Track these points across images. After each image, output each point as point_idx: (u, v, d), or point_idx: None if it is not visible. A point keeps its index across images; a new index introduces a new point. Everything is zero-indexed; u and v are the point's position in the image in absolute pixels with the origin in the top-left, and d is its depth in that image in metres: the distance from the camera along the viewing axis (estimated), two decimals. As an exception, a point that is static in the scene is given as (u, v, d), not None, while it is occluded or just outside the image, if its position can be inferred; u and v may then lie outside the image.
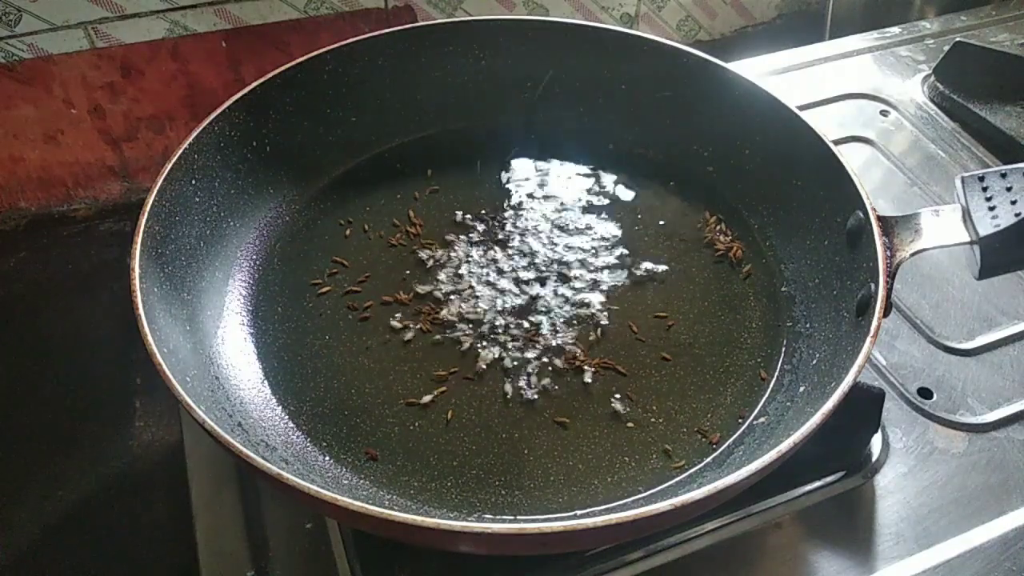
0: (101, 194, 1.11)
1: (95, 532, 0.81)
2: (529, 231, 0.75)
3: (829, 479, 0.63)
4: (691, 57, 0.76)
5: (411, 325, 0.68)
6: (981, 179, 0.58)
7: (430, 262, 0.72)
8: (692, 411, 0.63)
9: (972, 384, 0.69)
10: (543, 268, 0.72)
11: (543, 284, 0.71)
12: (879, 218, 0.59)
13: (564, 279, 0.71)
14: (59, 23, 0.97)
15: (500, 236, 0.74)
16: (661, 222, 0.76)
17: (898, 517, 0.61)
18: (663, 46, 0.77)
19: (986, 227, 0.55)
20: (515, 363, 0.65)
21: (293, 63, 0.73)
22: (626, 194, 0.78)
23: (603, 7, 1.23)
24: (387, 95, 0.80)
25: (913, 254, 0.57)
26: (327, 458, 0.60)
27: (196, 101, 1.08)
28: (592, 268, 0.72)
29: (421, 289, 0.70)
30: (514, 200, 0.78)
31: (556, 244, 0.74)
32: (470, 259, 0.72)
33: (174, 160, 0.64)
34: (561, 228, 0.75)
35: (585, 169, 0.81)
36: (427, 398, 0.63)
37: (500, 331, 0.67)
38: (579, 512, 0.57)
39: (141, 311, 0.54)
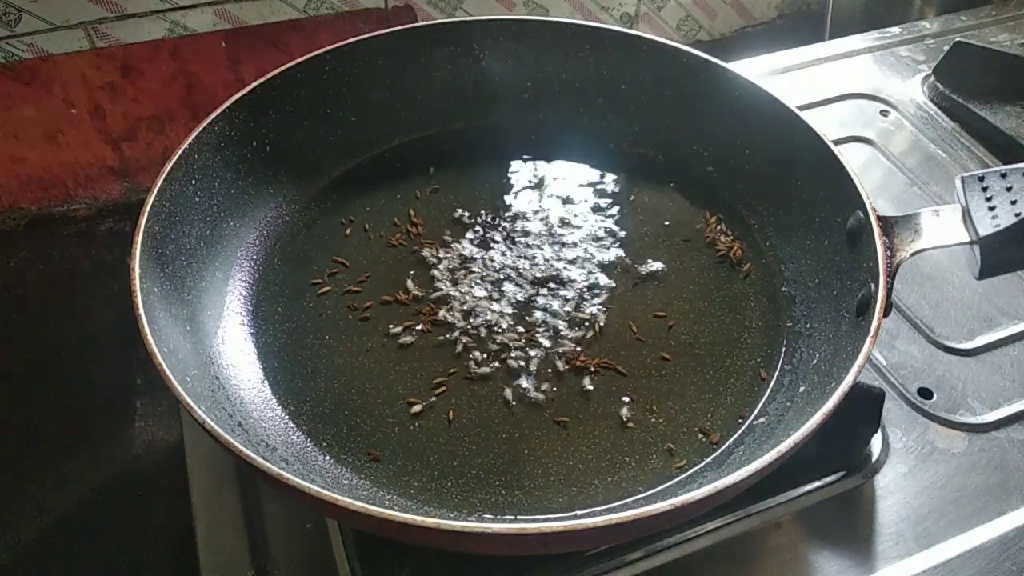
0: (101, 194, 1.11)
1: (95, 532, 0.81)
2: (529, 231, 0.75)
3: (829, 479, 0.63)
4: (691, 57, 0.76)
5: (412, 325, 0.68)
6: (981, 179, 0.58)
7: (431, 262, 0.72)
8: (692, 411, 0.63)
9: (972, 384, 0.69)
10: (543, 268, 0.72)
11: (543, 284, 0.71)
12: (879, 218, 0.59)
13: (564, 279, 0.71)
14: (59, 23, 0.97)
15: (500, 236, 0.74)
16: (661, 222, 0.76)
17: (898, 517, 0.61)
18: (663, 46, 0.77)
19: (986, 227, 0.55)
20: (515, 363, 0.65)
21: (293, 63, 0.73)
22: (626, 194, 0.78)
23: (603, 7, 1.23)
24: (387, 95, 0.80)
25: (913, 254, 0.57)
26: (327, 458, 0.60)
27: (196, 101, 1.08)
28: (592, 268, 0.72)
29: (421, 289, 0.70)
30: (514, 200, 0.78)
31: (556, 244, 0.74)
32: (471, 259, 0.72)
33: (174, 160, 0.64)
34: (561, 228, 0.75)
35: (585, 169, 0.81)
36: (428, 398, 0.63)
37: (500, 331, 0.67)
38: (579, 512, 0.57)
39: (141, 311, 0.54)
